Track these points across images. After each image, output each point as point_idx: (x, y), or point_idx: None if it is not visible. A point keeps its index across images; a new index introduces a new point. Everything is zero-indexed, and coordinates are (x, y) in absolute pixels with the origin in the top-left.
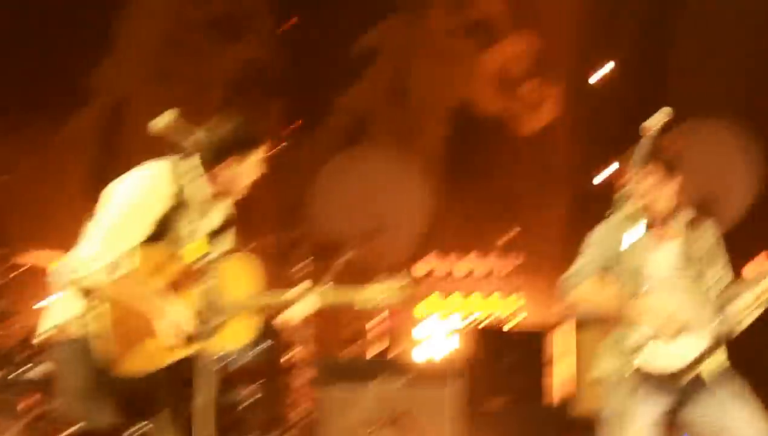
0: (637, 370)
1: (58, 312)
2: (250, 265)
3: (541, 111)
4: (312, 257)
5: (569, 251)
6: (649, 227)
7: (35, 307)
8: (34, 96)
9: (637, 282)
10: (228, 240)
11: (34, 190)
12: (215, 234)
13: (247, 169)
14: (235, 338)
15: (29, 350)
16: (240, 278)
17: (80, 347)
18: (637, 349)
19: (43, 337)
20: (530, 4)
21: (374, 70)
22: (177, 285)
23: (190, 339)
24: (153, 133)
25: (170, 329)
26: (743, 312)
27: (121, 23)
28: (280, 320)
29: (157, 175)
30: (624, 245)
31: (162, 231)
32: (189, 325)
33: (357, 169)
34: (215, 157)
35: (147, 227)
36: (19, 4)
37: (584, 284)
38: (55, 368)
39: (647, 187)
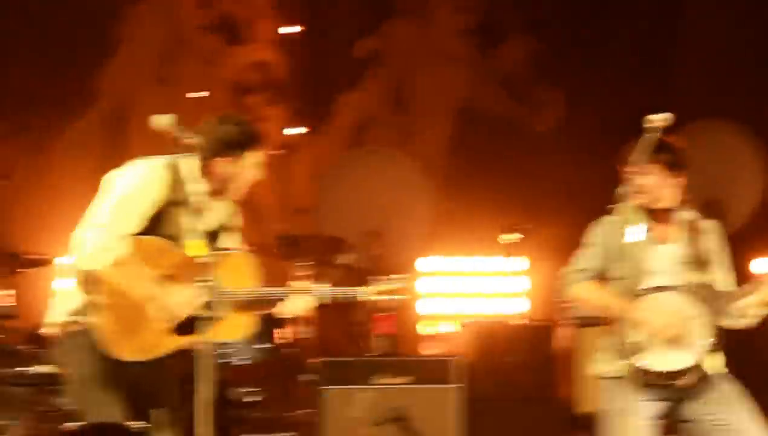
0: (635, 369)
1: (61, 304)
2: (250, 263)
3: (545, 114)
4: (314, 257)
5: (573, 250)
6: (650, 226)
7: (42, 301)
8: (38, 98)
9: (636, 282)
10: (229, 239)
11: (37, 192)
12: (214, 232)
13: (245, 170)
14: (232, 332)
15: (36, 344)
16: (239, 275)
17: (83, 337)
18: (635, 349)
19: (48, 329)
20: (533, 7)
21: (378, 72)
22: (174, 278)
23: (183, 327)
24: (154, 129)
25: (160, 312)
26: (747, 310)
27: (125, 25)
28: (276, 312)
29: (153, 170)
30: (624, 245)
31: (157, 226)
32: (181, 311)
33: (360, 170)
34: (213, 156)
35: (140, 219)
36: (22, 5)
37: (583, 283)
38: (60, 361)
39: (648, 185)
